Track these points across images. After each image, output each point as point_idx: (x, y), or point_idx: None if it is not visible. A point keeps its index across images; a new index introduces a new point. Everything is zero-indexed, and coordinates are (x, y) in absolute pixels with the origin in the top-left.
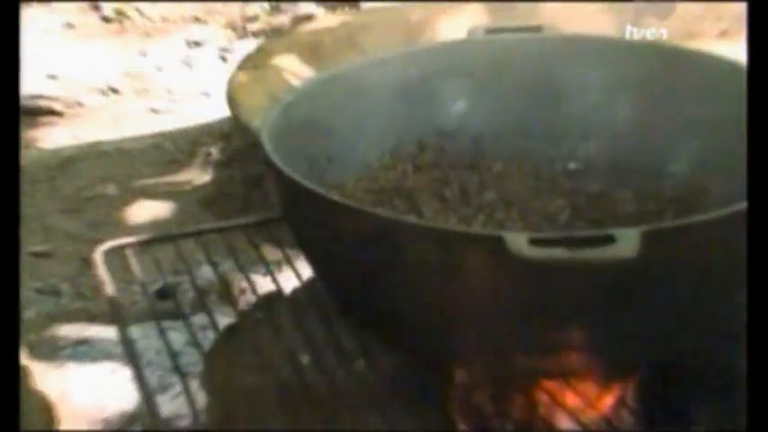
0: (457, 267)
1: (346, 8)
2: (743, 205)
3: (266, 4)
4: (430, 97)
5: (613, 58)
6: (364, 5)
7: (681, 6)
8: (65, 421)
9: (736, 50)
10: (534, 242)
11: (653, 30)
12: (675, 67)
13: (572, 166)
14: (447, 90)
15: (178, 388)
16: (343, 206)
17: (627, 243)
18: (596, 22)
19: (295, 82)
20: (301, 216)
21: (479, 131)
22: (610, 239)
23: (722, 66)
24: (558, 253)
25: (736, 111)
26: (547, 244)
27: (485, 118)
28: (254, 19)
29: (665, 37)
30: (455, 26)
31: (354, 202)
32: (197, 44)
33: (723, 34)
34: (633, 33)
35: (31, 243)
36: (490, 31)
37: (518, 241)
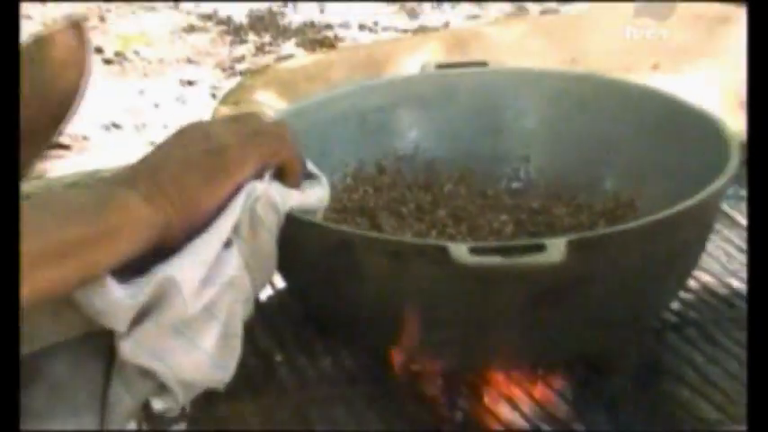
0: (408, 274)
1: (324, 49)
2: (655, 217)
3: (252, 47)
4: (388, 125)
5: (550, 87)
6: (341, 45)
7: (622, 42)
8: None
9: (667, 82)
10: (474, 251)
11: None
12: (605, 94)
13: (515, 185)
14: (403, 119)
15: None
16: (311, 224)
17: (554, 250)
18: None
19: (271, 114)
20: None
21: (432, 155)
22: (540, 247)
23: (642, 92)
24: (495, 260)
25: (656, 131)
26: (485, 252)
27: (437, 143)
28: (241, 59)
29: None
30: (413, 62)
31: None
32: (190, 83)
33: (655, 67)
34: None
35: None
36: (440, 66)
37: (460, 251)
